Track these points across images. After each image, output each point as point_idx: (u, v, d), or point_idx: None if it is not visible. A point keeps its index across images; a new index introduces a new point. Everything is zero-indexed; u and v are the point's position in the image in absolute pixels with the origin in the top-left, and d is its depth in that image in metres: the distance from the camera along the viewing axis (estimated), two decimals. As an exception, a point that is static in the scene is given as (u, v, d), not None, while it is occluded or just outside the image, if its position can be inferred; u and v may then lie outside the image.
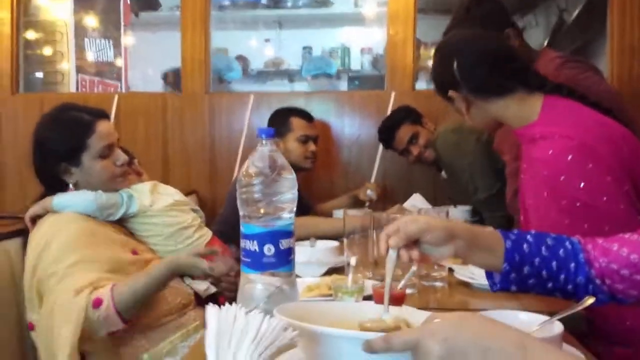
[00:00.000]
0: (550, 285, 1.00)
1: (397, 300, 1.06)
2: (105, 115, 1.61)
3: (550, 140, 1.26)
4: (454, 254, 0.96)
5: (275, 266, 0.98)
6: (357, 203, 2.72)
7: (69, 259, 1.42)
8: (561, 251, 0.99)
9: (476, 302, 1.33)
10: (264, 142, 1.01)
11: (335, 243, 1.61)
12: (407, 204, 2.34)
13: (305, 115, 2.60)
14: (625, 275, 0.96)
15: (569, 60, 1.90)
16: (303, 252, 1.53)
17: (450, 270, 1.46)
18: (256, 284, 0.99)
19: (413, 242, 0.94)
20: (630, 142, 1.28)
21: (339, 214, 2.54)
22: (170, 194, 1.72)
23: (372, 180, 2.89)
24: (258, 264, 0.98)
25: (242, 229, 1.00)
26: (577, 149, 1.22)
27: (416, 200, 2.36)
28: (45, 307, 1.39)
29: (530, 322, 0.92)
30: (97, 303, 1.34)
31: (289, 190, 1.00)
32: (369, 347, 0.69)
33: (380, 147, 2.87)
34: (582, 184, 1.20)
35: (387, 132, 2.64)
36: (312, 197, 2.79)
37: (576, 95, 1.36)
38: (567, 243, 1.01)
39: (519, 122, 1.37)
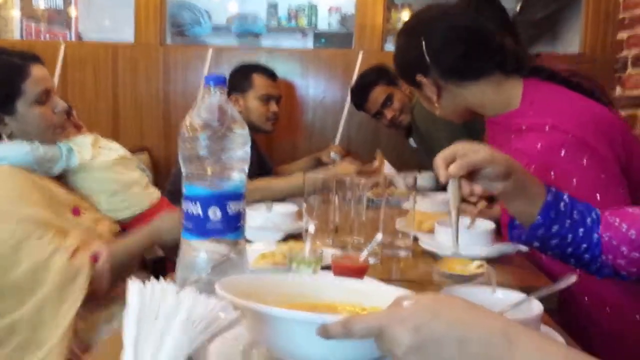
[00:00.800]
0: (570, 250, 0.95)
1: (359, 272, 0.96)
2: (38, 59, 1.44)
3: (540, 132, 1.15)
4: (502, 191, 0.89)
5: (221, 232, 0.86)
6: (320, 166, 2.63)
7: (19, 214, 1.28)
8: (588, 220, 0.95)
9: (436, 273, 1.24)
10: (212, 90, 0.87)
11: (293, 207, 1.50)
12: (371, 169, 2.23)
13: (269, 73, 2.44)
14: (624, 252, 0.90)
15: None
16: (258, 216, 1.41)
17: (415, 239, 1.37)
18: (199, 252, 0.86)
19: (469, 173, 0.88)
20: (621, 130, 1.19)
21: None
22: (114, 149, 1.58)
23: (337, 143, 2.78)
24: (201, 229, 0.85)
25: (184, 190, 0.87)
26: (571, 143, 1.12)
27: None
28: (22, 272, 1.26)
29: (506, 299, 0.83)
30: (95, 258, 1.31)
31: (240, 147, 0.87)
32: (325, 332, 0.58)
33: (346, 109, 2.75)
34: (574, 181, 1.11)
35: (360, 92, 2.49)
36: (274, 160, 2.66)
37: (557, 79, 1.25)
38: (593, 213, 0.96)
39: (496, 109, 1.25)
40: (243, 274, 0.89)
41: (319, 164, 2.67)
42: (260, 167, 2.16)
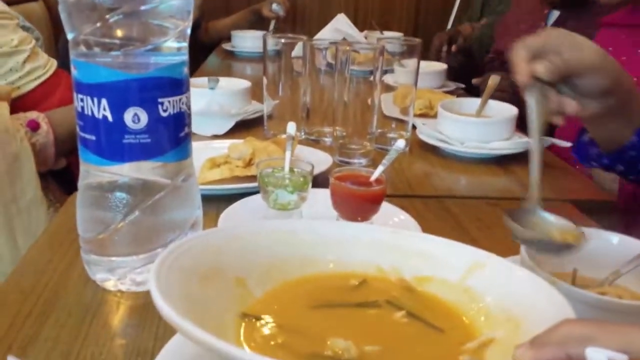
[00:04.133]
0: None
1: (375, 200, 0.62)
2: None
3: None
4: (599, 112, 0.61)
5: (150, 151, 0.48)
6: (260, 21, 2.20)
7: None
8: None
9: (449, 178, 0.93)
10: None
11: (245, 83, 1.09)
12: (328, 28, 1.81)
13: None
14: None
15: None
16: (199, 97, 1.01)
17: (412, 127, 1.03)
18: (112, 186, 0.49)
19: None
20: None
21: (239, 35, 2.01)
22: None
23: (281, -8, 2.31)
24: (113, 147, 0.47)
25: (73, 72, 0.46)
26: None
27: (341, 23, 1.82)
28: None
29: (625, 249, 0.52)
30: (34, 124, 0.99)
31: (176, -10, 0.47)
32: None
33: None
34: None
35: None
36: (202, 13, 2.16)
37: None
38: None
39: None
40: (189, 208, 0.53)
41: (258, 18, 2.25)
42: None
